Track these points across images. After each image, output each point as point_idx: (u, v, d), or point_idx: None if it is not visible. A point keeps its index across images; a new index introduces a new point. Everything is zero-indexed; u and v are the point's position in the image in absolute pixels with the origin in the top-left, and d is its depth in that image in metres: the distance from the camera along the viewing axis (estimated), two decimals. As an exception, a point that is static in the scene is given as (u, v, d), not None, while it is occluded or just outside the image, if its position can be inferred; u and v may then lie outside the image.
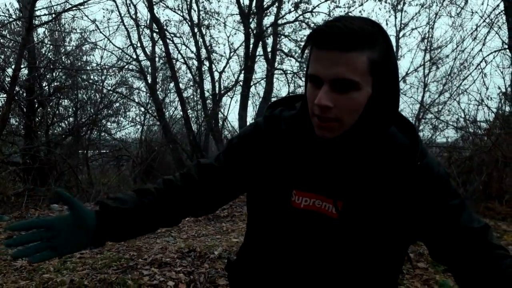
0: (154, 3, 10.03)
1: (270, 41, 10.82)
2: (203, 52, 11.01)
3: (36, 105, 10.34)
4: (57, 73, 10.79)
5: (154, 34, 10.82)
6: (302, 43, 10.09)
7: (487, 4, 7.28)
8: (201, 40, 10.83)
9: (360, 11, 9.85)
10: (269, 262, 0.98)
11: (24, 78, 9.90)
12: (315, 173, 0.90)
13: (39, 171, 8.96)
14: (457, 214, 0.89)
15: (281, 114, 0.97)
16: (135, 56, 10.94)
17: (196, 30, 10.72)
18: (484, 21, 6.42)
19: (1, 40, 9.67)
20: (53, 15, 8.76)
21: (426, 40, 9.21)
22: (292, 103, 1.00)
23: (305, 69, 0.87)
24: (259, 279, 1.00)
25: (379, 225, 0.88)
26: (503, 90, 7.36)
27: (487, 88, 7.03)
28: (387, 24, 10.00)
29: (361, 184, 0.88)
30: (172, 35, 10.93)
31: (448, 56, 8.42)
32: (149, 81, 10.86)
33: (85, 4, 7.46)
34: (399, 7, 9.67)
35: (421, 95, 9.23)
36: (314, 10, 10.07)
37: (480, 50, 6.73)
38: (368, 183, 0.88)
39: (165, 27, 10.58)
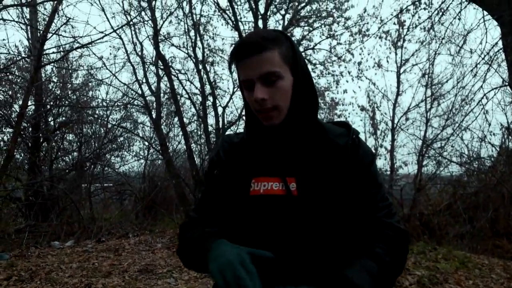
0: (159, 41, 10.29)
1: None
2: (207, 87, 11.18)
3: (41, 140, 10.43)
4: (63, 108, 10.96)
5: (160, 71, 11.03)
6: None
7: (486, 42, 7.38)
8: (205, 76, 11.01)
9: (361, 48, 10.05)
10: None
11: (30, 113, 10.05)
12: (268, 158, 1.05)
13: (41, 206, 8.92)
14: (371, 184, 1.04)
15: (235, 134, 1.19)
16: (140, 92, 11.11)
17: (200, 67, 10.94)
18: (483, 59, 6.52)
19: (10, 77, 9.89)
20: (62, 54, 8.98)
21: (426, 76, 9.34)
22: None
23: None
24: None
25: (330, 195, 0.99)
26: (506, 125, 7.38)
27: (489, 124, 7.04)
28: (387, 61, 10.17)
29: (308, 160, 1.02)
30: (177, 71, 11.15)
31: (449, 92, 8.51)
32: (154, 116, 10.98)
33: (93, 43, 7.66)
34: (399, 44, 9.86)
35: (423, 130, 9.24)
36: (315, 47, 10.29)
37: (481, 86, 6.80)
38: (314, 159, 1.02)
39: (170, 64, 10.80)
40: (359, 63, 10.19)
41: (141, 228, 8.50)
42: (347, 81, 10.81)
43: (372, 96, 10.52)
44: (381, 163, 10.03)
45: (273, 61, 0.96)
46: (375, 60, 10.56)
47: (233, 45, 1.05)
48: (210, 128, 11.13)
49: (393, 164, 9.60)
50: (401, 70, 10.19)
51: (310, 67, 10.99)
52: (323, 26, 9.83)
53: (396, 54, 10.19)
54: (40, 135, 10.19)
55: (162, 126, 11.40)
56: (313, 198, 0.98)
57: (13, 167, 10.24)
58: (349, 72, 10.27)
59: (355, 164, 1.03)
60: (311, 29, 10.02)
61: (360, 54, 11.55)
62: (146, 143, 12.35)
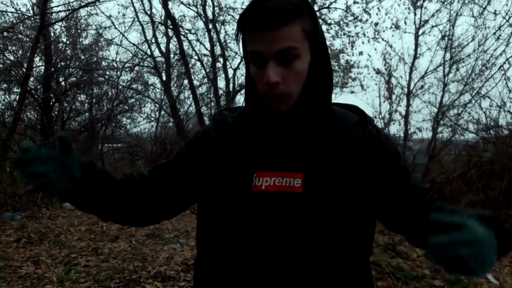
0: (168, -1, 9.94)
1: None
2: (218, 49, 10.90)
3: (53, 101, 10.44)
4: (74, 66, 10.87)
5: (169, 30, 10.74)
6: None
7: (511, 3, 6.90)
8: (215, 36, 10.71)
9: (378, 7, 9.56)
10: (238, 254, 0.89)
11: (41, 74, 10.01)
12: (272, 150, 0.90)
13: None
14: (406, 175, 0.92)
15: (228, 113, 1.00)
16: (149, 53, 10.91)
17: (210, 26, 10.61)
18: (507, 21, 6.10)
19: (19, 36, 9.76)
20: (69, 11, 8.75)
21: (446, 38, 8.85)
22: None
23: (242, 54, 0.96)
24: (227, 275, 0.91)
25: (342, 194, 0.86)
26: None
27: (510, 91, 6.70)
28: (405, 23, 9.68)
29: (318, 154, 0.88)
30: (187, 31, 10.86)
31: (470, 56, 8.07)
32: (164, 78, 10.82)
33: (100, 0, 7.43)
34: (418, 3, 9.31)
35: (440, 96, 8.90)
36: (331, 6, 9.83)
37: (504, 50, 6.41)
38: (326, 153, 0.88)
39: (179, 23, 10.50)
40: (376, 24, 9.74)
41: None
42: (362, 43, 10.40)
43: (388, 59, 10.11)
44: (395, 128, 9.82)
45: (294, 36, 0.81)
46: (392, 21, 10.05)
47: (245, 10, 0.84)
48: (220, 92, 10.97)
49: (407, 130, 9.36)
50: (420, 32, 9.69)
51: (325, 27, 10.59)
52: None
53: (415, 14, 9.66)
54: (52, 95, 10.20)
55: (172, 88, 11.28)
56: (321, 197, 0.86)
57: (26, 127, 10.37)
58: (364, 34, 9.84)
59: (377, 159, 0.90)
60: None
61: (377, 14, 10.96)
62: (157, 105, 12.28)
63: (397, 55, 10.01)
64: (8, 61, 9.76)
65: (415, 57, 9.72)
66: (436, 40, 10.19)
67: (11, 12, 9.17)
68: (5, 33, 8.89)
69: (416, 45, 9.71)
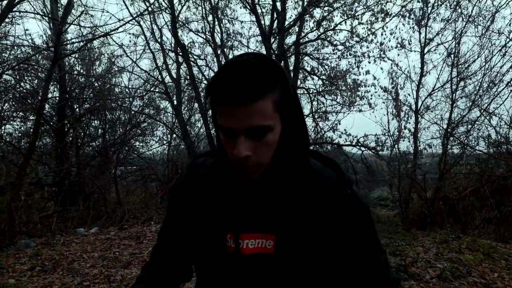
0: (178, 27, 10.23)
1: (292, 60, 10.80)
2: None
3: (68, 127, 10.72)
4: (87, 96, 11.17)
5: (179, 57, 11.02)
6: (325, 61, 9.91)
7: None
8: (224, 61, 10.94)
9: (383, 27, 9.67)
10: None
11: (56, 102, 10.33)
12: (245, 212, 0.91)
13: (69, 192, 9.24)
14: (366, 255, 0.92)
15: (203, 162, 1.02)
16: (160, 79, 11.18)
17: (219, 51, 10.86)
18: (511, 40, 6.14)
19: (35, 67, 10.12)
20: (82, 43, 9.08)
21: (452, 56, 8.89)
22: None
23: (213, 116, 0.91)
24: None
25: (311, 255, 0.89)
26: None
27: (519, 107, 6.66)
28: (409, 43, 9.77)
29: (291, 216, 0.89)
30: (196, 57, 11.12)
31: (476, 73, 8.09)
32: (175, 102, 11.05)
33: (113, 31, 7.70)
34: (423, 23, 9.41)
35: (449, 111, 8.88)
36: (336, 28, 9.99)
37: (511, 67, 6.42)
38: (298, 215, 0.89)
39: (189, 50, 10.77)
40: (381, 44, 9.85)
41: (165, 212, 8.67)
42: (369, 62, 10.44)
43: (395, 78, 10.17)
44: (405, 145, 9.77)
45: (266, 112, 0.78)
46: (397, 40, 10.14)
47: (214, 79, 0.80)
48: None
49: (416, 147, 9.32)
50: (425, 50, 9.76)
51: (330, 48, 10.72)
52: (343, 6, 9.50)
53: (420, 33, 9.76)
54: (66, 122, 10.48)
55: (183, 112, 11.47)
56: (291, 258, 0.88)
57: (42, 153, 10.64)
58: (368, 56, 9.94)
59: (350, 222, 0.91)
60: (331, 9, 9.71)
61: (382, 34, 11.07)
62: (169, 129, 12.49)
63: (403, 73, 10.05)
64: (24, 91, 10.11)
65: (422, 74, 9.77)
66: (442, 58, 10.22)
67: (27, 45, 9.53)
68: (21, 65, 9.23)
69: (422, 63, 9.77)
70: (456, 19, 8.19)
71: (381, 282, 0.92)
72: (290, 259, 0.88)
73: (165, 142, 12.93)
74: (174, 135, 12.57)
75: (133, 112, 11.88)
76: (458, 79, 8.76)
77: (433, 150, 9.35)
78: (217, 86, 0.79)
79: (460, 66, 8.79)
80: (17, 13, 6.31)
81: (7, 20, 7.70)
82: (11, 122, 10.66)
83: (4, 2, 5.67)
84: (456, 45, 8.81)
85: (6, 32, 9.13)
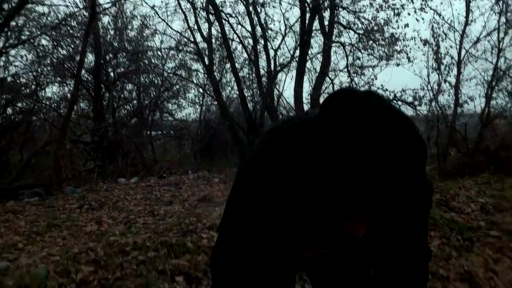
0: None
1: (327, 14, 10.46)
2: (258, 30, 10.95)
3: (103, 90, 10.99)
4: (121, 59, 11.36)
5: (210, 16, 10.92)
6: (361, 14, 9.51)
7: None
8: (256, 18, 10.75)
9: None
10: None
11: (91, 66, 10.56)
12: (319, 232, 0.90)
13: (108, 149, 9.57)
14: (419, 235, 1.00)
15: (272, 167, 0.81)
16: (192, 39, 11.15)
17: (251, 8, 10.66)
18: None
19: (71, 31, 10.32)
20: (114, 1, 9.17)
21: (501, 2, 8.33)
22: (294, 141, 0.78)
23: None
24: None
25: (381, 239, 0.98)
26: None
27: None
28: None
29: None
30: (228, 15, 10.97)
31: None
32: (206, 62, 11.04)
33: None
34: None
35: (494, 61, 8.40)
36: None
37: None
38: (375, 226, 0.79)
39: (221, 8, 10.63)
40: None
41: (199, 168, 8.86)
42: (409, 14, 9.91)
43: (436, 29, 9.66)
44: (445, 98, 9.41)
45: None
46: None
47: (358, 179, 0.60)
48: (262, 72, 11.02)
49: (457, 99, 8.95)
50: (472, -4, 9.17)
51: (367, 1, 10.26)
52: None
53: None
54: (102, 85, 10.75)
55: (215, 73, 11.46)
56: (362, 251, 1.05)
57: (80, 115, 11.02)
58: (412, 1, 9.42)
59: (418, 207, 0.94)
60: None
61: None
62: (201, 90, 12.57)
63: (446, 23, 9.52)
64: (61, 56, 10.37)
65: (466, 23, 9.23)
66: (490, 4, 9.58)
67: (62, 5, 9.66)
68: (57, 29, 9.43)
69: (468, 10, 9.22)
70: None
71: (419, 250, 1.01)
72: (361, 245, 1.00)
73: (197, 103, 13.05)
74: (206, 96, 12.64)
75: (165, 74, 12.03)
76: (507, 26, 8.23)
77: (474, 103, 8.97)
78: (359, 190, 0.60)
79: (509, 14, 8.25)
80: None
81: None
82: (50, 86, 11.05)
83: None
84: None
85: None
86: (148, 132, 11.62)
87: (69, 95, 10.14)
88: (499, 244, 3.42)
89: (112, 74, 11.42)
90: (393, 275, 1.01)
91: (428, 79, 9.35)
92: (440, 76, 9.31)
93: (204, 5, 11.06)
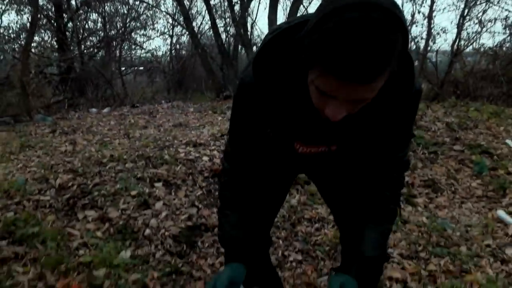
0: None
1: None
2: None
3: (65, 20, 10.35)
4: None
5: None
6: None
7: None
8: None
9: None
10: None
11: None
12: (314, 130, 0.95)
13: (76, 82, 9.24)
14: (400, 143, 1.02)
15: (271, 66, 0.86)
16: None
17: None
18: None
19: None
20: None
21: None
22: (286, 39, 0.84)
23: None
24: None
25: (367, 145, 1.01)
26: None
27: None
28: None
29: (356, 127, 0.93)
30: None
31: None
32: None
33: None
34: None
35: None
36: None
37: None
38: (362, 124, 0.92)
39: None
40: None
41: (174, 100, 8.74)
42: None
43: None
44: (418, 30, 9.42)
45: (375, 89, 0.70)
46: None
47: (330, 43, 0.64)
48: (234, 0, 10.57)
49: (430, 29, 8.99)
50: None
51: None
52: None
53: None
54: (64, 14, 10.10)
55: (185, 1, 10.90)
56: (349, 151, 1.04)
57: (43, 47, 10.42)
58: None
59: (404, 111, 0.94)
60: None
61: None
62: (170, 20, 12.02)
63: None
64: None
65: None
66: None
67: None
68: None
69: None
70: None
71: (400, 159, 1.04)
72: (347, 151, 1.04)
73: (166, 33, 12.52)
74: (176, 29, 12.14)
75: (131, 3, 11.37)
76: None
77: (447, 36, 9.02)
78: (333, 56, 0.64)
79: None
80: None
81: None
82: (6, 14, 10.28)
83: None
84: None
85: None
86: (118, 65, 11.21)
87: (28, 24, 9.52)
88: (461, 156, 3.66)
89: (73, 2, 10.71)
90: (370, 180, 1.06)
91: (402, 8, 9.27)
92: (414, 6, 9.25)
93: None
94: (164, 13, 11.74)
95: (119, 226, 2.09)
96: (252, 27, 11.06)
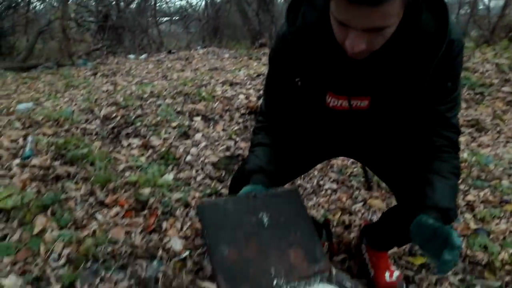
0: None
1: None
2: None
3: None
4: None
5: None
6: None
7: None
8: None
9: None
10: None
11: None
12: (345, 77, 0.94)
13: (113, 31, 9.34)
14: (447, 107, 0.94)
15: (304, 22, 0.92)
16: None
17: None
18: None
19: None
20: None
21: None
22: None
23: None
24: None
25: (402, 105, 0.97)
26: None
27: None
28: None
29: (386, 79, 0.92)
30: None
31: None
32: None
33: None
34: None
35: None
36: None
37: None
38: (395, 76, 0.91)
39: None
40: None
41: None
42: None
43: None
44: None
45: (391, 13, 0.71)
46: None
47: None
48: None
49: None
50: None
51: None
52: None
53: None
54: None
55: None
56: (384, 111, 1.00)
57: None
58: None
59: (444, 66, 0.89)
60: None
61: None
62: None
63: None
64: None
65: None
66: None
67: None
68: None
69: None
70: None
71: (447, 120, 0.95)
72: (382, 112, 1.00)
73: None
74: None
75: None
76: None
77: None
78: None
79: None
80: None
81: None
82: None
83: None
84: None
85: None
86: (154, 13, 11.17)
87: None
88: (509, 98, 3.48)
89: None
90: (421, 147, 0.99)
91: None
92: None
93: None
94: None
95: (162, 152, 2.18)
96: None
